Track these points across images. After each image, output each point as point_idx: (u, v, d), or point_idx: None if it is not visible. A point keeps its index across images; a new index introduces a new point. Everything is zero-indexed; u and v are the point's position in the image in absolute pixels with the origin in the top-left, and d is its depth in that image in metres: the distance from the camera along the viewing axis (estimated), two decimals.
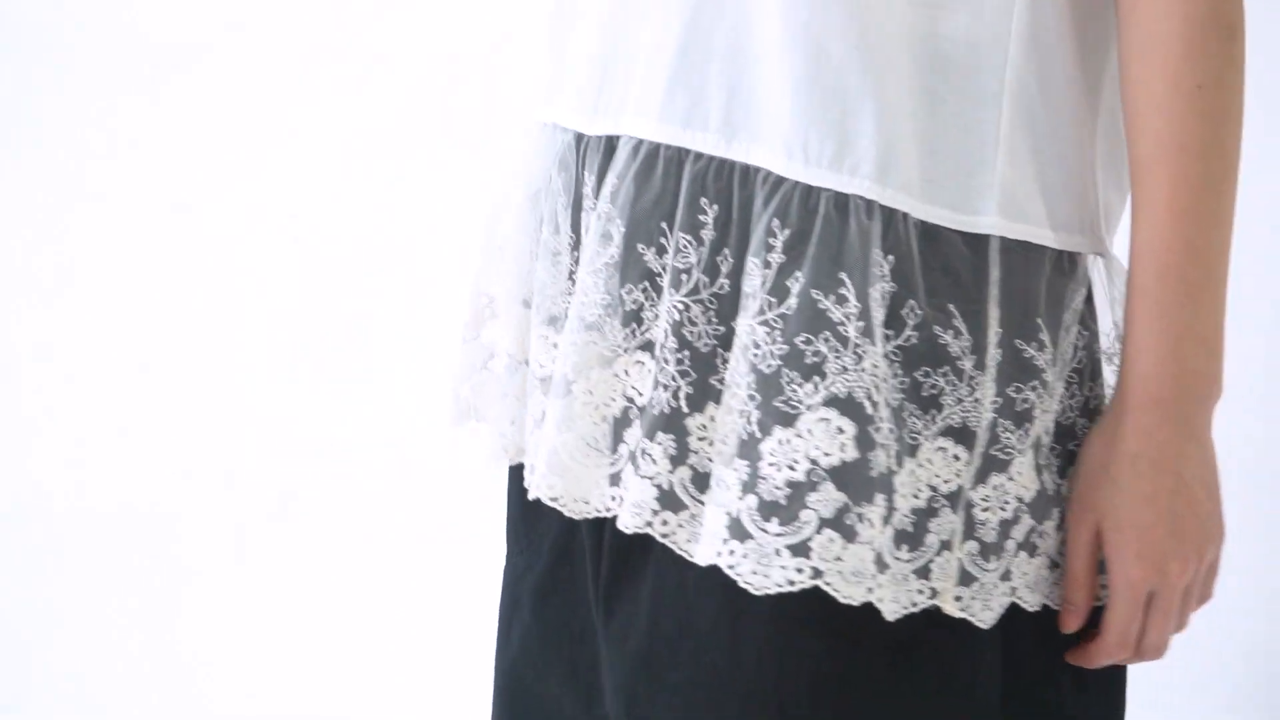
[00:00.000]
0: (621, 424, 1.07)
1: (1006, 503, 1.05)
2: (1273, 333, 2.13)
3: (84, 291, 2.34)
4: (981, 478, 1.04)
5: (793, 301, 1.01)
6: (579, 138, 1.13)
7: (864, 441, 1.00)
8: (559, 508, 1.09)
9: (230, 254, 2.31)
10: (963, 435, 1.03)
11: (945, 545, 1.03)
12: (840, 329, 1.00)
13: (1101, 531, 1.06)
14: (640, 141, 1.07)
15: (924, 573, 1.03)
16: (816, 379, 1.00)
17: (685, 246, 1.04)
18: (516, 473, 1.22)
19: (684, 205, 1.05)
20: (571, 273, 1.12)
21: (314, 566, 2.34)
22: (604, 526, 1.11)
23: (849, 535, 1.00)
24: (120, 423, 2.34)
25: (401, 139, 2.24)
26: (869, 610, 1.01)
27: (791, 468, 1.00)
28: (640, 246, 1.06)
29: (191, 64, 2.26)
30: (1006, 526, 1.05)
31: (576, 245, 1.12)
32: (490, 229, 1.25)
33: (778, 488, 1.00)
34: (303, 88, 2.26)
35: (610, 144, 1.10)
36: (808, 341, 1.00)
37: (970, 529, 1.04)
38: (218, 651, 2.37)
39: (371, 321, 2.29)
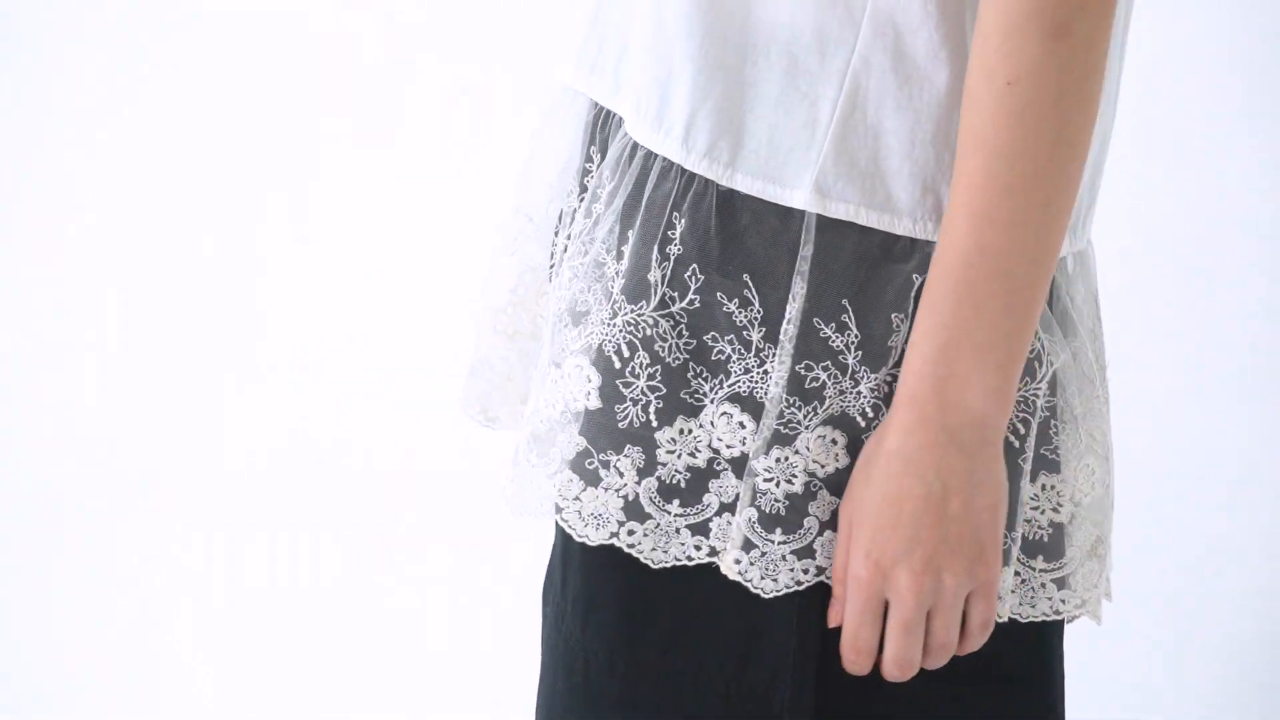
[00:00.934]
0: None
1: (794, 476, 1.04)
2: (1273, 332, 2.14)
3: (79, 290, 2.36)
4: (766, 449, 1.04)
5: (590, 250, 1.08)
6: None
7: (609, 393, 1.05)
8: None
9: (231, 254, 2.34)
10: (748, 404, 1.04)
11: (727, 508, 1.05)
12: (607, 284, 1.05)
13: (841, 522, 1.04)
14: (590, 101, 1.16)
15: (702, 530, 1.05)
16: (580, 329, 1.07)
17: (569, 196, 1.13)
18: None
19: (583, 156, 1.14)
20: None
21: (320, 567, 2.38)
22: None
23: (591, 480, 1.05)
24: (119, 423, 2.37)
25: (413, 139, 2.26)
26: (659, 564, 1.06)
27: (550, 408, 1.08)
28: (575, 202, 1.14)
29: (192, 61, 2.29)
30: (799, 501, 1.04)
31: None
32: (518, 205, 1.27)
33: (542, 422, 1.08)
34: (307, 85, 2.30)
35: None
36: (586, 290, 1.07)
37: (753, 496, 1.05)
38: (216, 654, 2.38)
39: (377, 321, 2.30)
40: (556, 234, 1.18)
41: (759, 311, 1.03)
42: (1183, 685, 2.15)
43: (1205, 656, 2.17)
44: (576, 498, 1.06)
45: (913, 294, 1.04)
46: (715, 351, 1.04)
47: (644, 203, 1.05)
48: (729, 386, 1.04)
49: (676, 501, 1.05)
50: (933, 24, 1.02)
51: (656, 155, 1.06)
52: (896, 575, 1.01)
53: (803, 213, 1.03)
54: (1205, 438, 2.13)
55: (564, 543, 1.11)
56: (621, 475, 1.05)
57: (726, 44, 1.04)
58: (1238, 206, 2.08)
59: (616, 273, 1.05)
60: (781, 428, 1.04)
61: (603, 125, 1.14)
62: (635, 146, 1.07)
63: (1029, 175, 0.97)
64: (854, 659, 1.04)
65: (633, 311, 1.04)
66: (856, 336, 1.04)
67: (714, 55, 1.04)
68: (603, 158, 1.12)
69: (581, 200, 1.13)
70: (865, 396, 1.04)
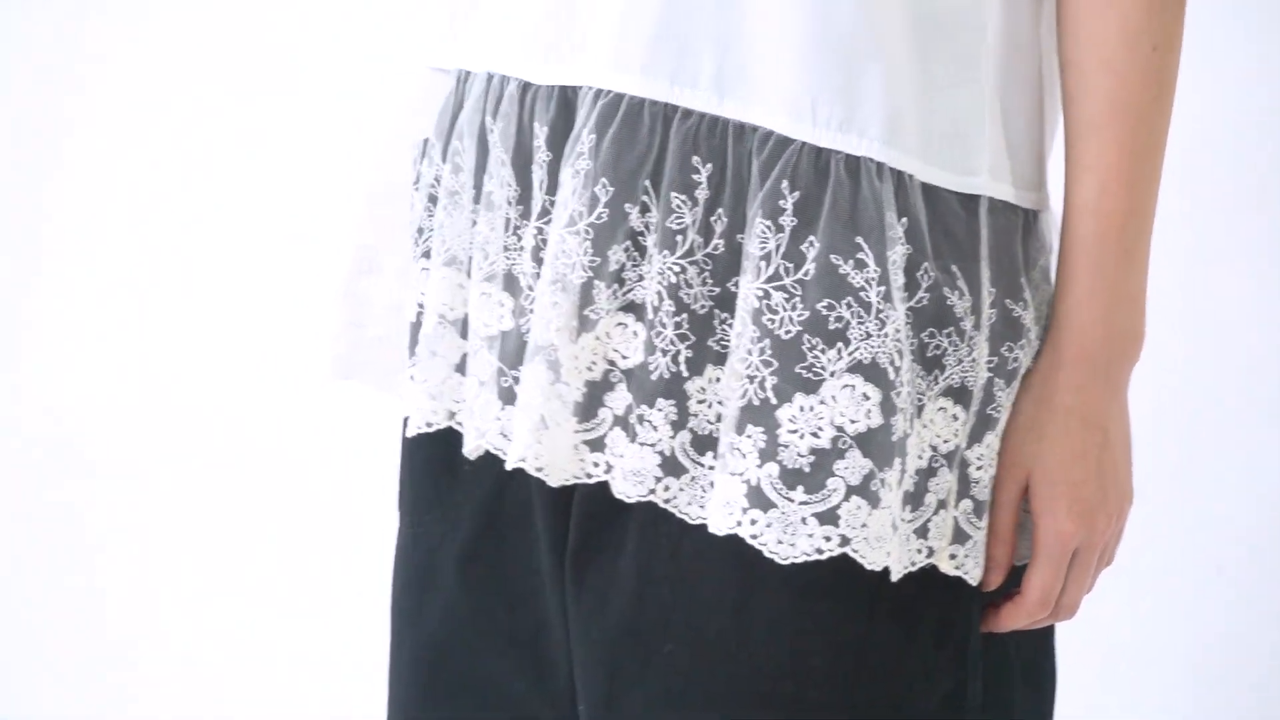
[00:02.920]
0: (601, 387, 1.04)
1: (995, 460, 1.07)
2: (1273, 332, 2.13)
3: (72, 289, 2.34)
4: (976, 437, 1.06)
5: (810, 267, 0.99)
6: (524, 86, 1.07)
7: (887, 407, 1.00)
8: (542, 476, 1.05)
9: (227, 253, 2.31)
10: (961, 395, 1.04)
11: (942, 504, 1.05)
12: (862, 294, 0.99)
13: (1031, 485, 1.07)
14: (619, 95, 1.03)
15: (922, 532, 1.04)
16: (840, 345, 0.99)
17: (679, 207, 1.01)
18: (418, 440, 1.16)
19: (675, 164, 1.02)
20: (517, 229, 1.07)
21: (315, 566, 2.34)
22: (568, 492, 1.08)
23: (874, 501, 1.00)
24: (117, 425, 2.34)
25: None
26: (875, 573, 1.01)
27: (816, 435, 0.99)
28: (626, 205, 1.02)
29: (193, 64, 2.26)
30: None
31: (522, 199, 1.07)
32: (369, 178, 1.20)
33: (801, 455, 0.99)
34: (296, 84, 2.26)
35: (565, 95, 1.06)
36: (830, 307, 0.99)
37: (965, 488, 1.06)
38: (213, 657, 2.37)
39: None
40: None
41: (969, 302, 1.04)
42: (1178, 685, 2.14)
43: (1195, 656, 2.17)
44: (864, 524, 1.00)
45: (1047, 263, 1.10)
46: (932, 348, 1.03)
47: (856, 207, 1.00)
48: (944, 380, 1.04)
49: (909, 509, 1.04)
50: (1034, 11, 1.07)
51: (834, 156, 1.01)
52: (1095, 522, 1.07)
53: (979, 198, 1.05)
54: (1203, 433, 2.13)
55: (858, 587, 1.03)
56: (891, 491, 1.01)
57: (895, 36, 1.02)
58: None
59: (868, 282, 0.99)
60: (990, 410, 1.06)
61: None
62: (789, 150, 1.01)
63: (1162, 135, 1.06)
64: (1041, 612, 1.09)
65: (895, 318, 1.00)
66: (1032, 311, 1.08)
67: (891, 51, 1.01)
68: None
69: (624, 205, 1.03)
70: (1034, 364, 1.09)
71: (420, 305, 1.14)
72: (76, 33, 2.28)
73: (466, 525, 1.16)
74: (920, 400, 1.03)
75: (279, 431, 2.32)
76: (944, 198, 1.03)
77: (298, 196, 2.25)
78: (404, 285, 1.18)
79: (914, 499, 1.03)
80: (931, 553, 1.05)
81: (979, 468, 1.06)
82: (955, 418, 1.04)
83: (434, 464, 1.16)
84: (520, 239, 1.07)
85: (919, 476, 1.03)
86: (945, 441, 1.04)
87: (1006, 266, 1.06)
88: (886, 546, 1.00)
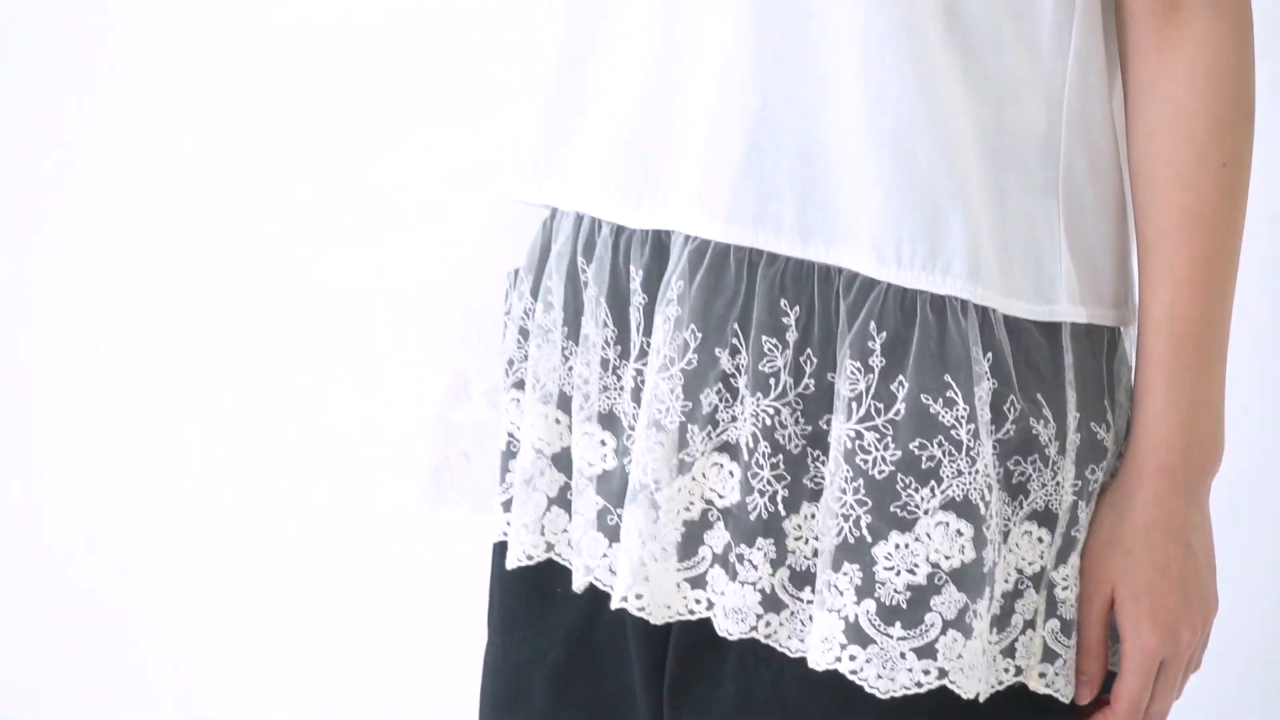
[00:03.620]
0: (701, 526, 1.07)
1: (1079, 579, 1.09)
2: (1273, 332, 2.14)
3: (69, 297, 2.32)
4: (1062, 558, 1.07)
5: (900, 406, 1.02)
6: (617, 229, 1.09)
7: (979, 541, 1.02)
8: (644, 615, 1.07)
9: (229, 259, 2.28)
10: (1046, 518, 1.06)
11: (1029, 624, 1.07)
12: (953, 433, 1.01)
13: (1116, 600, 1.09)
14: (705, 241, 1.05)
15: (1010, 651, 1.06)
16: (933, 483, 1.02)
17: (771, 350, 1.04)
18: (504, 559, 1.19)
19: (762, 307, 1.04)
20: (616, 369, 1.10)
21: (318, 572, 2.33)
22: (665, 626, 1.11)
23: (968, 633, 1.02)
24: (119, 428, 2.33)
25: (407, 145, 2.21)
26: (969, 699, 1.04)
27: (912, 571, 1.02)
28: (716, 350, 1.05)
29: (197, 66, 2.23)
30: None
31: (619, 340, 1.10)
32: (464, 304, 1.23)
33: (898, 591, 1.02)
34: (302, 92, 2.23)
35: (659, 239, 1.08)
36: (922, 446, 1.01)
37: (1052, 608, 1.08)
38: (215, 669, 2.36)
39: (374, 326, 2.25)
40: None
41: (1054, 428, 1.05)
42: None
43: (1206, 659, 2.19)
44: (960, 655, 1.02)
45: (1130, 381, 1.11)
46: (1018, 475, 1.05)
47: (944, 346, 1.02)
48: (1029, 505, 1.06)
49: (995, 630, 1.06)
50: (1110, 122, 1.09)
51: (919, 296, 1.02)
52: (1180, 634, 1.09)
53: (1060, 324, 1.06)
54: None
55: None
56: (983, 619, 1.03)
57: (973, 174, 1.03)
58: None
59: (957, 420, 1.01)
60: (1074, 532, 1.08)
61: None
62: (875, 291, 1.02)
63: (1236, 248, 1.08)
64: None
65: (985, 455, 1.02)
66: (1114, 430, 1.09)
67: (970, 190, 1.03)
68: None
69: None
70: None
71: (512, 436, 1.17)
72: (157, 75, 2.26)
73: (559, 647, 1.18)
74: (1006, 526, 1.05)
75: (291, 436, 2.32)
76: (1026, 328, 1.05)
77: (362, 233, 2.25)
78: (493, 412, 1.21)
79: (1000, 621, 1.06)
80: (1020, 671, 1.07)
81: (1065, 588, 1.08)
82: (1040, 540, 1.06)
83: (525, 586, 1.19)
84: (620, 379, 1.10)
85: (1005, 599, 1.06)
86: (1030, 564, 1.06)
87: (1091, 389, 1.07)
88: (979, 673, 1.03)
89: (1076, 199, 1.07)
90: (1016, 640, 1.06)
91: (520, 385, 1.16)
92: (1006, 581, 1.05)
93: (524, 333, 1.16)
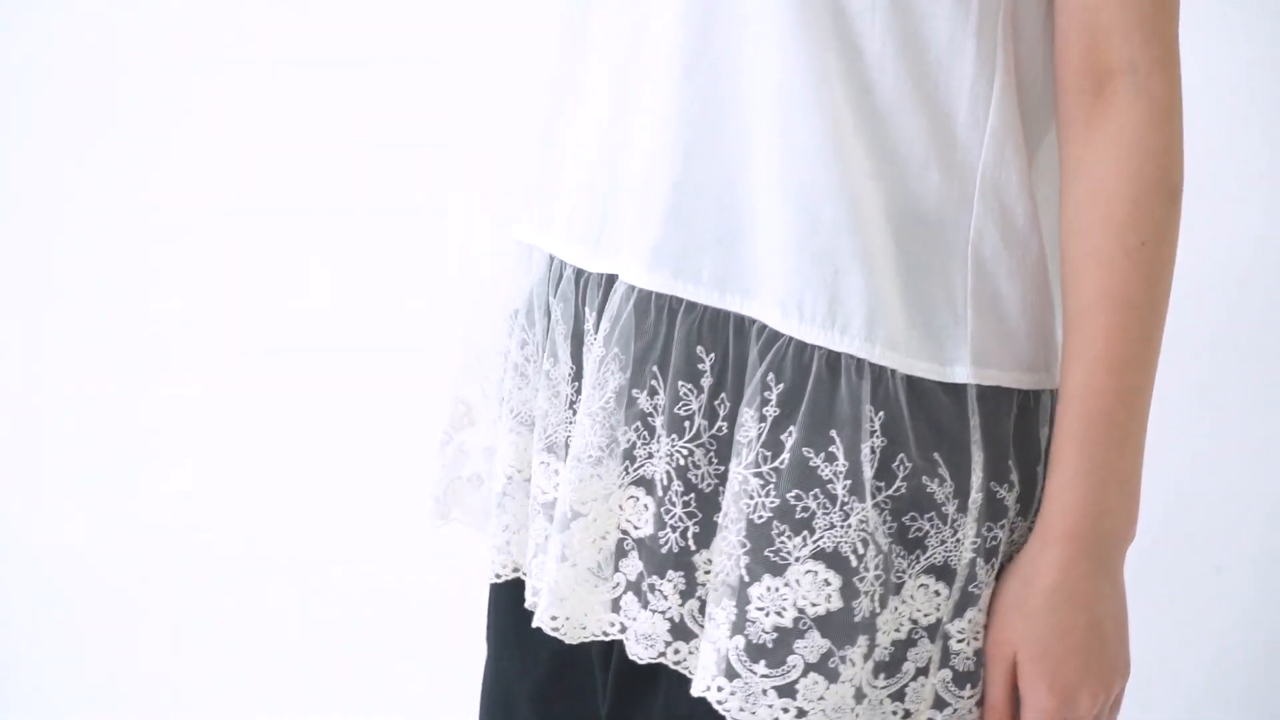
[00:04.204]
0: (617, 554, 1.13)
1: (979, 634, 1.11)
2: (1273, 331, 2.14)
3: (77, 296, 2.36)
4: (959, 611, 1.10)
5: (785, 457, 1.06)
6: (579, 272, 1.16)
7: (849, 592, 1.06)
8: (559, 636, 1.14)
9: (235, 263, 2.32)
10: (944, 573, 1.09)
11: (921, 671, 1.11)
12: (829, 487, 1.05)
13: (1018, 662, 1.10)
14: (631, 287, 1.11)
15: (899, 696, 1.10)
16: (805, 533, 1.06)
17: (686, 395, 1.09)
18: (502, 584, 1.27)
19: (680, 353, 1.09)
20: (572, 403, 1.16)
21: (324, 574, 2.36)
22: (609, 646, 1.18)
23: (832, 677, 1.06)
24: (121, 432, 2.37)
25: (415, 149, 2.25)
26: None
27: (780, 614, 1.06)
28: (634, 391, 1.10)
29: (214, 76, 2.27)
30: (980, 656, 1.12)
31: (577, 376, 1.16)
32: (468, 337, 1.30)
33: (765, 632, 1.06)
34: (311, 97, 2.27)
35: (611, 283, 1.14)
36: (798, 497, 1.06)
37: (946, 658, 1.11)
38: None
39: (381, 329, 2.30)
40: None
41: (952, 486, 1.08)
42: (1178, 685, 2.15)
43: (1195, 655, 2.17)
44: (821, 697, 1.06)
45: (1045, 444, 1.12)
46: (914, 530, 1.08)
47: (834, 401, 1.06)
48: (925, 560, 1.08)
49: (883, 676, 1.09)
50: (1027, 195, 1.10)
51: (817, 351, 1.06)
52: (1078, 700, 1.09)
53: (965, 386, 1.08)
54: (1203, 433, 2.14)
55: None
56: (854, 666, 1.07)
57: (877, 236, 1.06)
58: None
59: (835, 475, 1.05)
60: (971, 588, 1.10)
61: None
62: (777, 344, 1.07)
63: (1155, 324, 1.07)
64: None
65: (861, 510, 1.05)
66: (1019, 491, 1.11)
67: (874, 251, 1.06)
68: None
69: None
70: (1016, 544, 1.12)
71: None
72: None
73: (542, 668, 1.26)
74: (901, 578, 1.08)
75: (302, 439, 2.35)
76: (929, 388, 1.08)
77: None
78: (492, 441, 1.29)
79: (889, 667, 1.09)
80: (908, 715, 1.10)
81: (960, 640, 1.11)
82: (937, 594, 1.09)
83: (514, 607, 1.26)
84: (575, 413, 1.16)
85: (895, 647, 1.09)
86: (926, 615, 1.09)
87: (997, 449, 1.09)
88: (846, 717, 1.07)
89: (987, 266, 1.09)
90: (907, 686, 1.10)
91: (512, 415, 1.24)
92: (899, 630, 1.09)
93: (515, 366, 1.24)
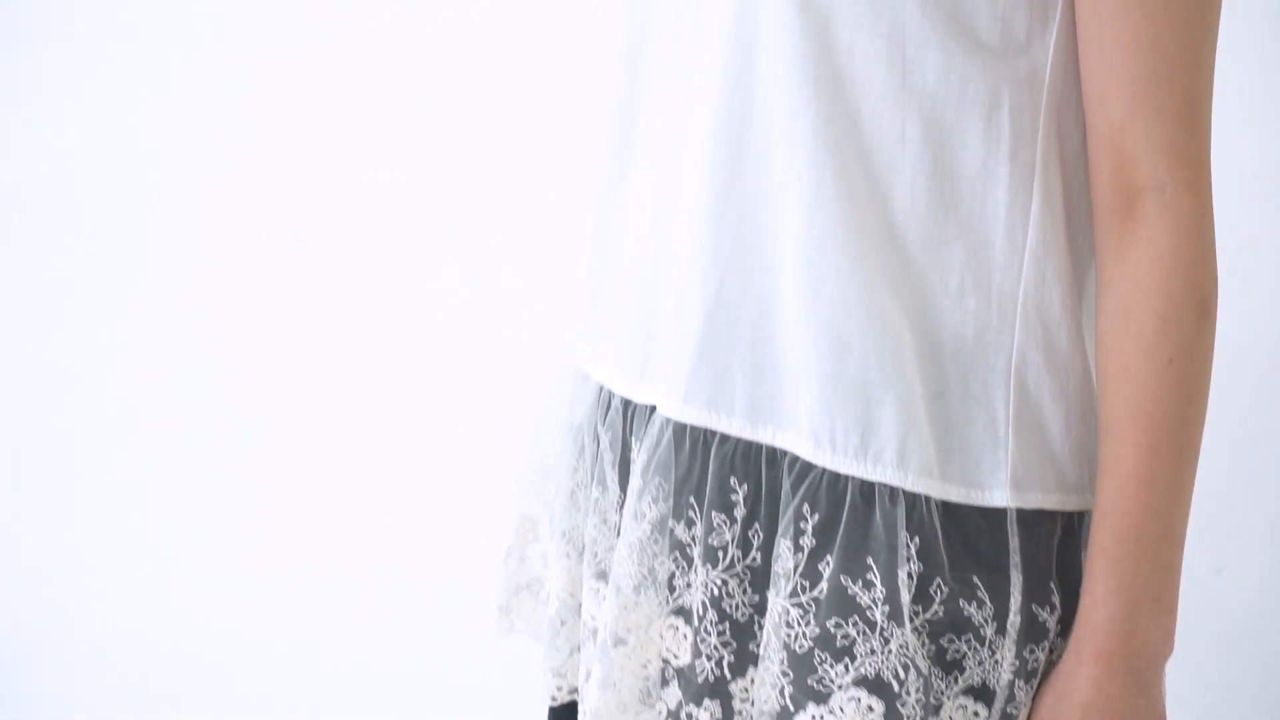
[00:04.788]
0: (658, 682, 1.14)
1: None
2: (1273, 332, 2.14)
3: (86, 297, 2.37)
4: None
5: (824, 586, 1.07)
6: (626, 402, 1.19)
7: (892, 716, 1.06)
8: None
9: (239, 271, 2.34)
10: (982, 694, 1.09)
11: None
12: (868, 613, 1.06)
13: None
14: (668, 420, 1.13)
15: None
16: (847, 660, 1.07)
17: (720, 525, 1.10)
18: (559, 706, 1.29)
19: (714, 484, 1.11)
20: (619, 531, 1.18)
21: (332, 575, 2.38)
22: None
23: None
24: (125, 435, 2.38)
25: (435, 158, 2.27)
26: None
27: None
28: (672, 522, 1.12)
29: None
30: None
31: (623, 505, 1.18)
32: (531, 453, 1.32)
33: None
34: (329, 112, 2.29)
35: (655, 414, 1.16)
36: (838, 625, 1.07)
37: None
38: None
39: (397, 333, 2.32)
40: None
41: (990, 609, 1.08)
42: (1178, 685, 2.15)
43: (1195, 655, 2.17)
44: None
45: (1084, 563, 1.11)
46: (952, 652, 1.08)
47: (869, 529, 1.06)
48: (964, 681, 1.09)
49: None
50: (1070, 315, 1.10)
51: (850, 481, 1.07)
52: None
53: (1004, 510, 1.09)
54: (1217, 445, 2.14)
55: None
56: None
57: (910, 365, 1.07)
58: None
59: (873, 602, 1.06)
60: (1010, 709, 1.10)
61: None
62: (811, 475, 1.08)
63: (1187, 441, 1.06)
64: None
65: (900, 635, 1.06)
66: (1060, 612, 1.11)
67: (907, 380, 1.07)
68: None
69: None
70: (1055, 663, 1.11)
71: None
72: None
73: None
74: (939, 699, 1.09)
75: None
76: (966, 513, 1.08)
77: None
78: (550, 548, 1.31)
79: None
80: None
81: None
82: (976, 714, 1.10)
83: None
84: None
85: None
86: None
87: (1038, 572, 1.09)
88: None
89: (1029, 389, 1.09)
90: None
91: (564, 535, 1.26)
92: None
93: (566, 489, 1.26)
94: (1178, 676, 2.14)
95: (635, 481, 1.13)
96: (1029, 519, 1.09)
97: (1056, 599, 1.10)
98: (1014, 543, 1.08)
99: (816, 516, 1.07)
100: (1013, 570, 1.08)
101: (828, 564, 1.06)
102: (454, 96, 2.24)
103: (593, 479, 1.22)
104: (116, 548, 2.40)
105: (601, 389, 1.22)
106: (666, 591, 1.12)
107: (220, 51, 2.28)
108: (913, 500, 1.06)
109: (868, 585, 1.06)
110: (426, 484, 2.31)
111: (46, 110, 2.32)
